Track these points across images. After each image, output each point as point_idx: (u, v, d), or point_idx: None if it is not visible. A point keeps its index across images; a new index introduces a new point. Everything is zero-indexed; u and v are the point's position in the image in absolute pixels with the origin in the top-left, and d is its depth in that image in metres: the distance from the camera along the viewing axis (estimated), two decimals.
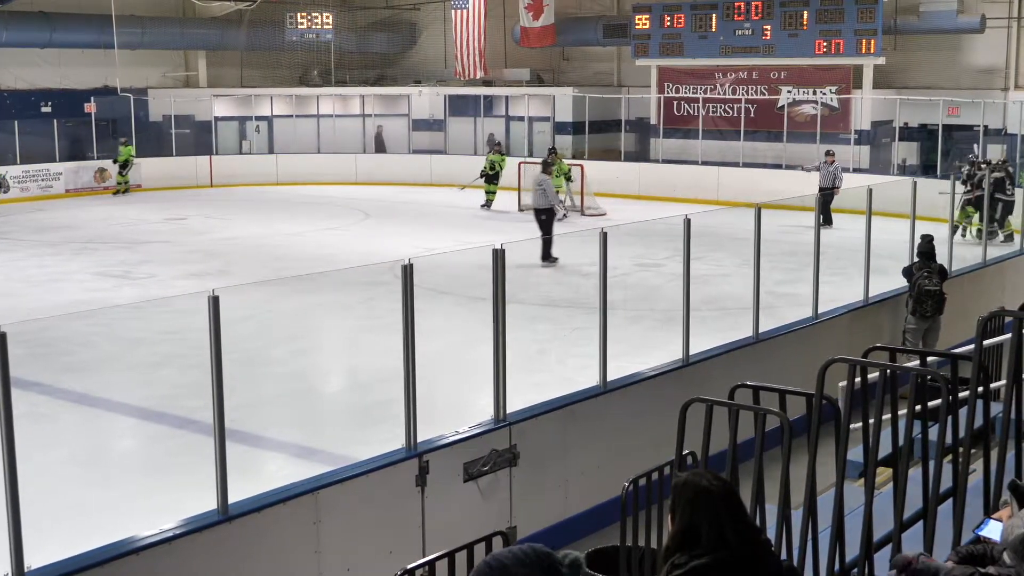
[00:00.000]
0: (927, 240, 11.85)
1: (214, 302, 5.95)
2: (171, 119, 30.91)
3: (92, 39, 29.16)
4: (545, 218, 18.51)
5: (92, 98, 29.60)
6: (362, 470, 6.83)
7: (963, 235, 18.82)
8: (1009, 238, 18.30)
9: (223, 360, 6.06)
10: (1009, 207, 19.18)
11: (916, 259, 11.78)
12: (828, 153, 23.20)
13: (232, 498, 6.15)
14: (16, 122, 27.89)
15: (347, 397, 11.83)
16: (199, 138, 31.67)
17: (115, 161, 28.57)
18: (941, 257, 12.15)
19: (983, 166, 19.08)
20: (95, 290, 16.36)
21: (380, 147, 33.11)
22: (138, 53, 30.61)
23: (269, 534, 6.32)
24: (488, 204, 25.50)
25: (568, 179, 24.47)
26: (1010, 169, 20.07)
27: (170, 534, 5.88)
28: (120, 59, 28.98)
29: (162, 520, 6.12)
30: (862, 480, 6.13)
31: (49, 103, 29.62)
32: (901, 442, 5.62)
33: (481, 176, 25.81)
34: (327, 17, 33.08)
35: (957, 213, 19.61)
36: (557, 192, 24.12)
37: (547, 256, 17.74)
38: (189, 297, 12.45)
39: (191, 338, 9.06)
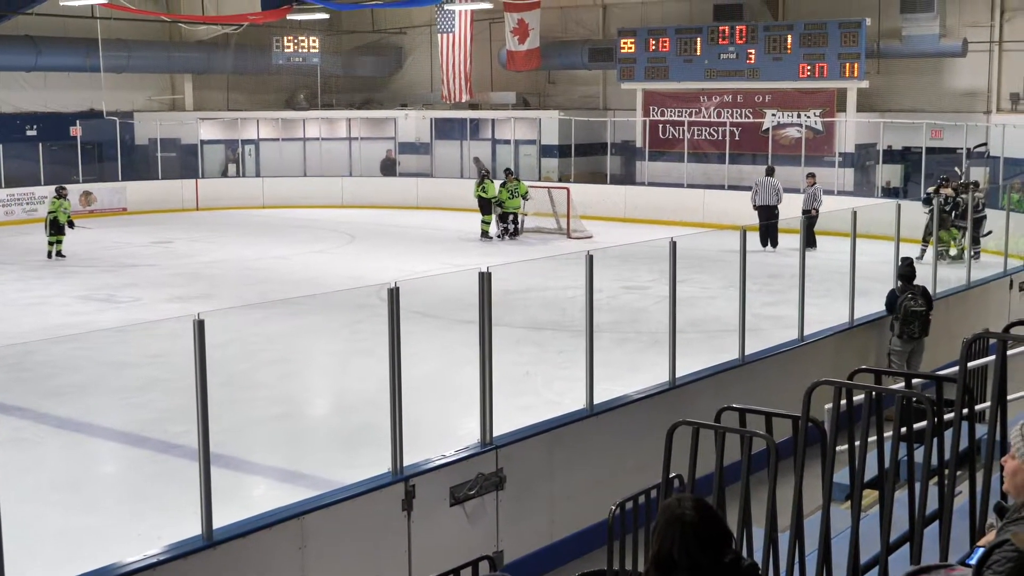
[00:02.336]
0: (908, 263, 11.92)
1: (199, 326, 5.93)
2: (157, 142, 30.88)
3: (78, 63, 29.14)
4: (777, 212, 22.32)
5: (77, 121, 29.57)
6: (348, 494, 6.80)
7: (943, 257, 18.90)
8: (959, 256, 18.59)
9: (208, 384, 6.04)
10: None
11: (898, 282, 11.83)
12: (809, 175, 23.34)
13: (217, 523, 6.11)
14: (1, 145, 27.82)
15: (333, 421, 11.79)
16: (185, 161, 31.64)
17: (68, 223, 21.96)
18: (925, 279, 12.21)
19: (959, 188, 19.29)
20: (78, 314, 16.29)
21: (389, 171, 32.95)
22: (124, 77, 30.61)
23: (254, 559, 6.27)
24: (490, 233, 24.59)
25: (525, 197, 24.83)
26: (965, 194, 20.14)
27: (154, 560, 5.84)
28: (106, 82, 28.99)
29: (146, 546, 6.08)
30: (848, 503, 6.12)
31: (34, 127, 29.56)
32: (887, 464, 5.62)
33: (498, 204, 24.61)
34: (313, 41, 33.15)
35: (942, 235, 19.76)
36: (516, 213, 24.42)
37: (775, 242, 21.27)
38: (174, 321, 12.44)
39: (176, 362, 9.01)
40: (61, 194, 22.10)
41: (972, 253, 16.07)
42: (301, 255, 22.47)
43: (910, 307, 11.51)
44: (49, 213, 21.85)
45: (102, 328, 15.02)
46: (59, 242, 21.72)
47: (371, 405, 9.72)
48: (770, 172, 23.32)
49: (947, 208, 19.39)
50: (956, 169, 23.08)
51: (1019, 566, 3.19)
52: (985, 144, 25.03)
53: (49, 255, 21.58)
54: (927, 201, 19.65)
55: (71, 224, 21.95)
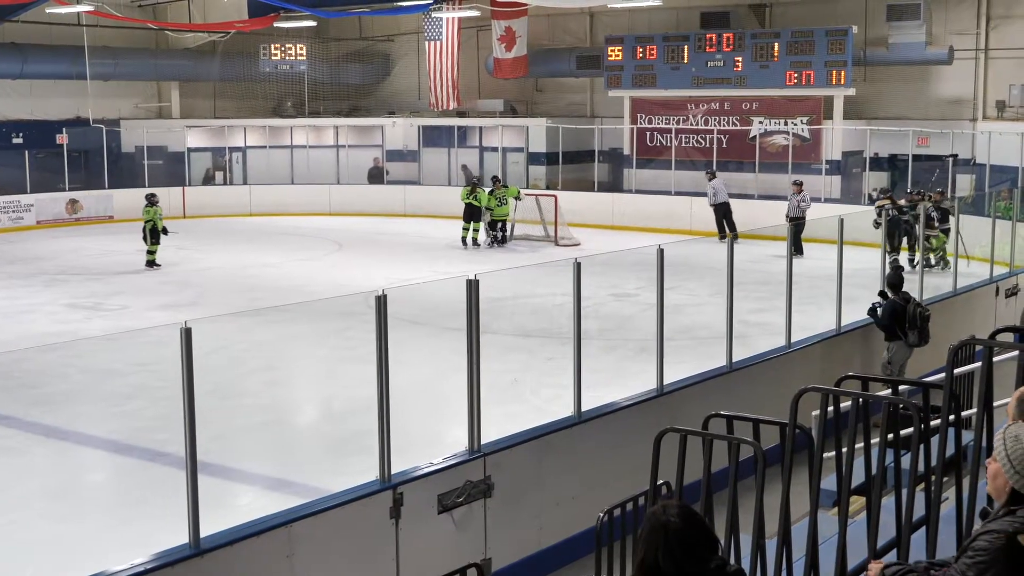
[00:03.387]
0: (897, 273, 11.91)
1: (186, 334, 5.92)
2: (143, 150, 30.79)
3: (64, 70, 29.04)
4: (727, 210, 24.68)
5: (64, 129, 29.46)
6: (336, 502, 6.80)
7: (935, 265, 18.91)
8: (940, 262, 18.74)
9: (195, 392, 6.03)
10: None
11: (889, 291, 11.74)
12: (795, 183, 23.40)
13: (204, 531, 6.10)
14: None
15: (321, 428, 11.77)
16: (172, 169, 31.55)
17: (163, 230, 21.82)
18: (911, 286, 12.25)
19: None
20: (66, 322, 16.24)
21: (377, 179, 32.87)
22: (111, 84, 30.53)
23: (242, 567, 6.26)
24: (477, 240, 24.73)
25: (517, 198, 25.14)
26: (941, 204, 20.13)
27: (141, 568, 5.82)
28: (92, 90, 28.90)
29: (133, 554, 6.06)
30: (836, 509, 6.14)
31: (20, 134, 29.45)
32: (874, 471, 5.64)
33: (487, 210, 24.74)
34: (301, 48, 33.11)
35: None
36: (504, 220, 24.86)
37: (733, 228, 23.03)
38: (161, 329, 12.40)
39: (163, 370, 9.00)
40: (152, 201, 21.70)
41: (941, 262, 16.17)
42: (289, 263, 22.43)
43: (923, 312, 11.51)
44: (146, 222, 21.46)
45: (89, 336, 14.97)
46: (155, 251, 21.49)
47: (359, 413, 9.71)
48: (713, 175, 25.56)
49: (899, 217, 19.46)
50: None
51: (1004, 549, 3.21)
52: (956, 155, 25.17)
53: (149, 264, 21.33)
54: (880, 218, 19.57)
55: (165, 231, 21.72)
